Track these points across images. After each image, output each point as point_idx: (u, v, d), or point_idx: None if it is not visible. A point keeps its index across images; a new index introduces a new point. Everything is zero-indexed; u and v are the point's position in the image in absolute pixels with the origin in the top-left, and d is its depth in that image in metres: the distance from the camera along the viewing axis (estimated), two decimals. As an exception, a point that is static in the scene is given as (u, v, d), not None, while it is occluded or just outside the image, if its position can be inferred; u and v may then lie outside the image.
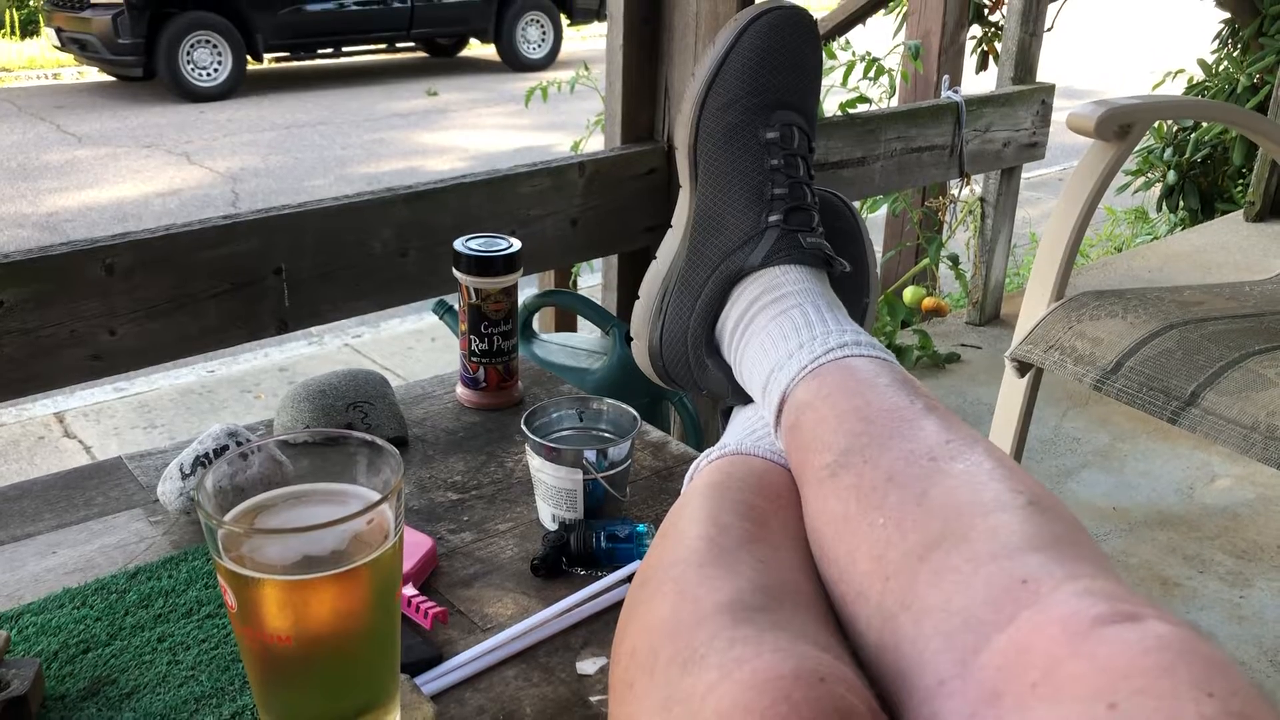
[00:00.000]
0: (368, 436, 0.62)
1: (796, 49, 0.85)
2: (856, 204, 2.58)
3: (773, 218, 0.81)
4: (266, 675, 0.58)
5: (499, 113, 7.54)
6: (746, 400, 0.81)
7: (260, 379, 3.33)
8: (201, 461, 0.86)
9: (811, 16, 0.87)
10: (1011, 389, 1.52)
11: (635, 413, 0.91)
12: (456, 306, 1.11)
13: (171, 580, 0.78)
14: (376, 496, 0.59)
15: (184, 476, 0.86)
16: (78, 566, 0.81)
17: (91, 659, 0.71)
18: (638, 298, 0.88)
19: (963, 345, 2.66)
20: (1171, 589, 1.77)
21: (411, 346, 3.51)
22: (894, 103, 2.34)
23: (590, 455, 0.85)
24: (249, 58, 7.96)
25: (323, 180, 5.63)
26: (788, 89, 0.85)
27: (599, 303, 1.81)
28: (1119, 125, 1.42)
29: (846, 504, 0.60)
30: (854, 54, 2.20)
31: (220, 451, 0.87)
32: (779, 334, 0.75)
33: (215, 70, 7.63)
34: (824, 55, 2.02)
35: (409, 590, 0.77)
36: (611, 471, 0.87)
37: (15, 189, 5.39)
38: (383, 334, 3.65)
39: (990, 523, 0.52)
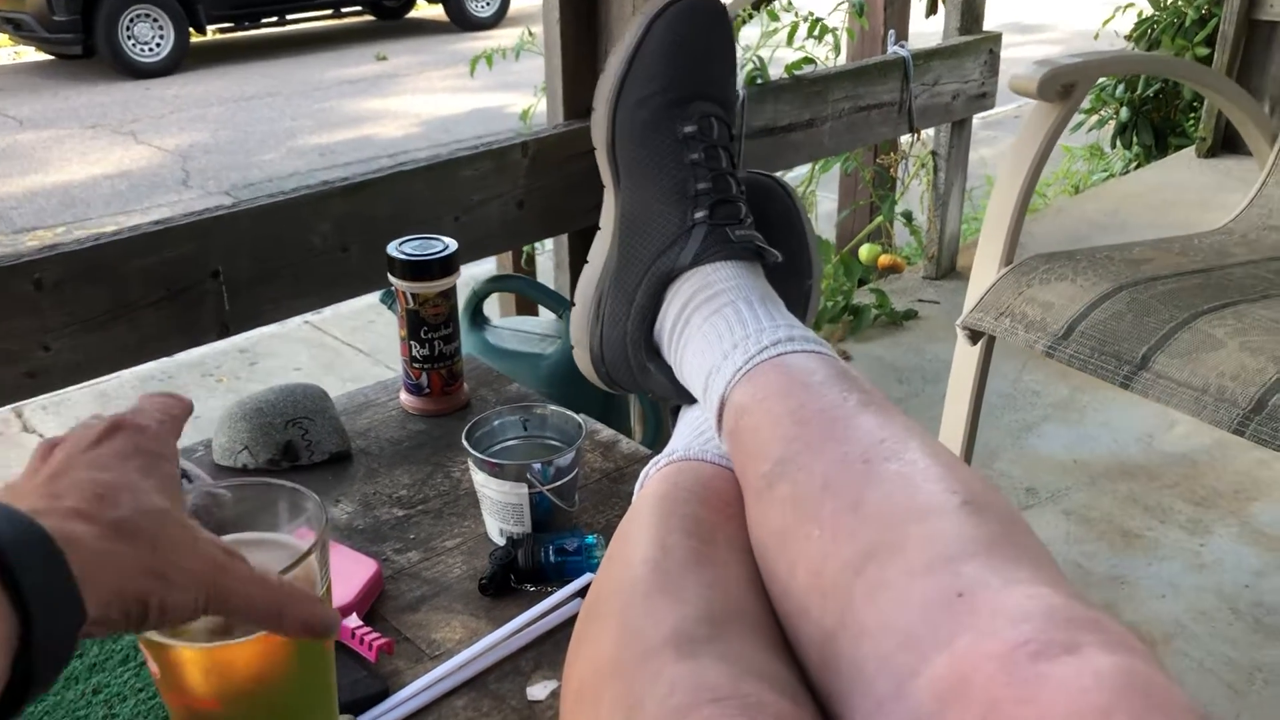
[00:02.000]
0: (286, 484, 0.59)
1: (706, 37, 0.83)
2: (807, 166, 2.57)
3: (699, 214, 0.79)
4: None
5: (449, 75, 7.43)
6: (692, 400, 0.80)
7: (221, 362, 3.28)
8: (135, 494, 0.84)
9: (719, 2, 0.85)
10: (965, 354, 1.52)
11: (581, 419, 0.90)
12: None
13: (108, 624, 0.76)
14: (301, 547, 0.57)
15: (118, 511, 0.83)
16: (11, 613, 0.79)
17: (22, 718, 0.69)
18: (573, 304, 0.86)
19: (920, 301, 2.66)
20: (1133, 540, 1.78)
21: (373, 320, 3.47)
22: (841, 61, 2.31)
23: (535, 468, 0.84)
24: (191, 30, 7.78)
25: (273, 154, 5.54)
26: (702, 79, 0.83)
27: (552, 282, 1.79)
28: (1061, 85, 1.40)
29: (784, 516, 0.59)
30: (797, 14, 2.16)
31: (154, 483, 0.85)
32: (714, 335, 0.74)
33: (157, 45, 7.46)
34: (740, 34, 1.99)
35: (352, 621, 0.76)
36: (558, 482, 0.85)
37: (-43, 177, 5.27)
38: (342, 309, 3.60)
39: (925, 529, 0.52)
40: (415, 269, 1.00)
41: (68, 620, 0.39)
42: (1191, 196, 3.19)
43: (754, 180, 0.88)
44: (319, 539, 0.56)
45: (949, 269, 2.78)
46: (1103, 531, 1.80)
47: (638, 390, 0.87)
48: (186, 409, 0.55)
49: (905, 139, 2.49)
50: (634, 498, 0.73)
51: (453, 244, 1.02)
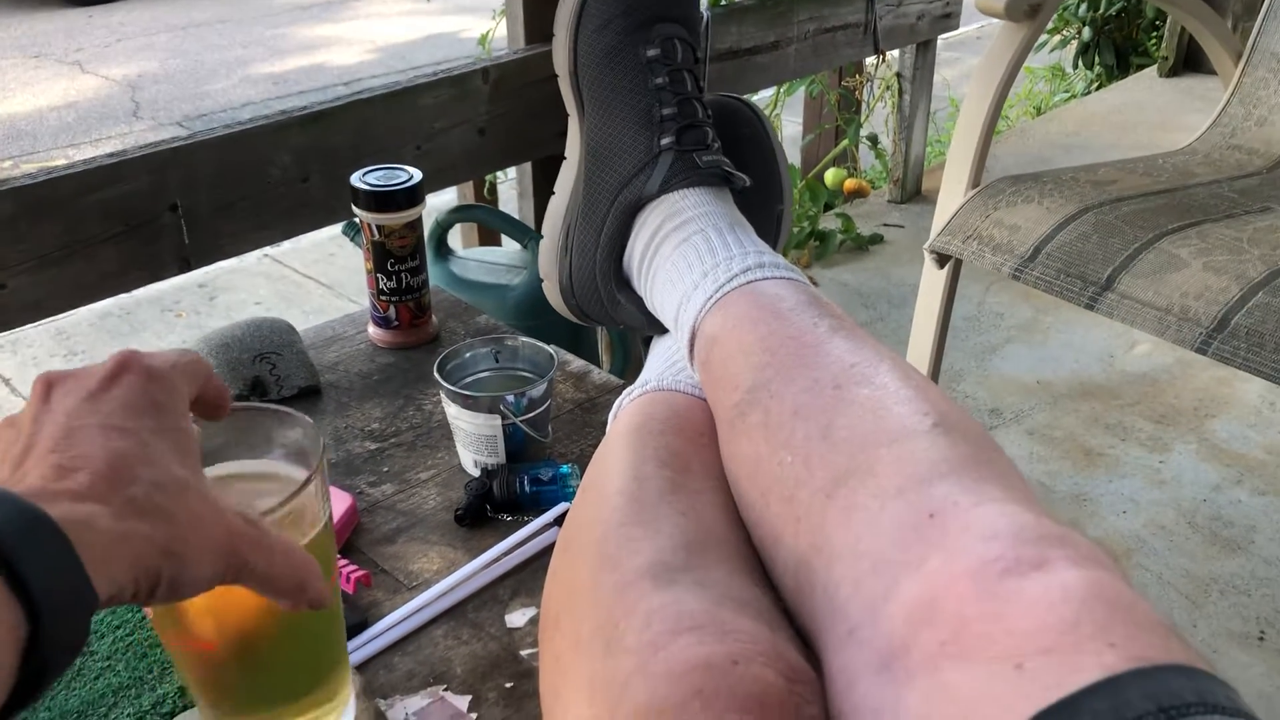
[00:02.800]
0: (276, 408, 0.58)
1: None
2: (771, 89, 2.54)
3: (665, 140, 0.78)
4: (197, 677, 0.57)
5: (404, -1, 7.25)
6: (664, 330, 0.80)
7: (180, 297, 3.24)
8: (103, 433, 0.83)
9: None
10: (932, 277, 1.52)
11: (552, 350, 0.89)
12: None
13: (81, 564, 0.76)
14: (299, 476, 0.55)
15: (86, 450, 0.82)
16: (-19, 555, 0.79)
17: None
18: (541, 236, 0.85)
19: (885, 225, 2.66)
20: (1095, 459, 1.81)
21: (333, 253, 3.42)
22: (805, -19, 2.27)
23: (508, 399, 0.84)
24: (135, -47, 7.53)
25: (225, 83, 5.41)
26: (664, 1, 0.81)
27: (516, 211, 1.77)
28: (1029, 5, 1.39)
29: (756, 444, 0.60)
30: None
31: (122, 421, 0.83)
32: (683, 264, 0.73)
33: (100, -31, 7.21)
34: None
35: (329, 554, 0.76)
36: (531, 414, 0.85)
37: (-104, 110, 5.11)
38: (303, 242, 3.55)
39: (896, 452, 0.52)
40: (380, 200, 0.98)
41: (79, 609, 0.37)
42: (1153, 117, 3.20)
43: (722, 103, 0.87)
44: (317, 466, 0.54)
45: (914, 192, 2.78)
46: (1065, 450, 1.83)
47: (609, 322, 0.86)
48: (205, 368, 0.51)
49: (870, 61, 2.47)
50: (607, 429, 0.73)
51: (417, 174, 1.01)
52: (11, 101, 5.20)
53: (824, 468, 0.54)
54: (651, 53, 0.79)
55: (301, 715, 0.58)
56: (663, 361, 0.77)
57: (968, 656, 0.41)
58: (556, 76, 0.85)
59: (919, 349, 1.59)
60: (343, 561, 0.75)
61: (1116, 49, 3.90)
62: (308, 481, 0.52)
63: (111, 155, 1.25)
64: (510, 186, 2.12)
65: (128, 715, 0.64)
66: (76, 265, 1.24)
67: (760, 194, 0.84)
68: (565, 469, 0.84)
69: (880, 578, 0.46)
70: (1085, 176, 1.45)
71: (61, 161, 1.21)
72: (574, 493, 0.78)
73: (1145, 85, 3.47)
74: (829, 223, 2.59)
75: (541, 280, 0.88)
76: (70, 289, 1.24)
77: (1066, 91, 4.23)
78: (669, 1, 0.81)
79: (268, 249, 3.48)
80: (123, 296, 3.19)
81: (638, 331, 0.86)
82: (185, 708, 0.64)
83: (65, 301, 1.24)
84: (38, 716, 0.64)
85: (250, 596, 0.48)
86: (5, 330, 1.24)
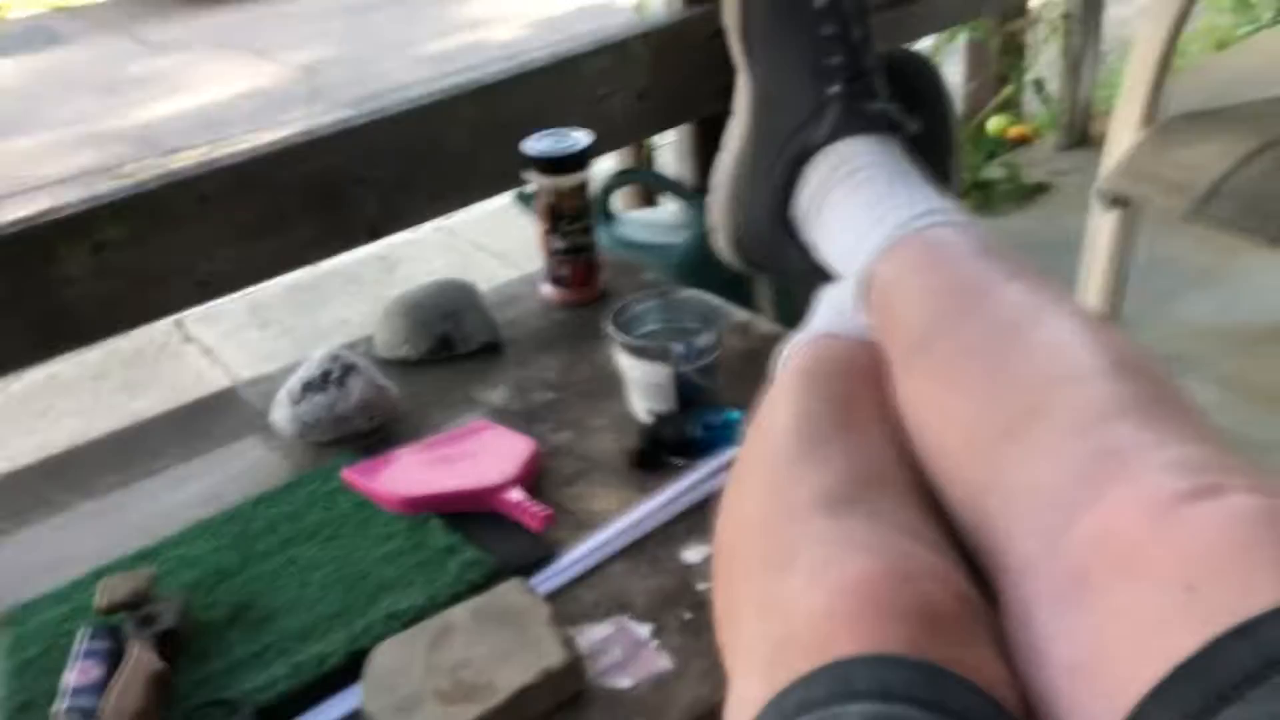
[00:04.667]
0: None
1: None
2: (933, 38, 2.49)
3: (833, 89, 0.79)
4: None
5: (558, -29, 7.34)
6: (829, 278, 0.81)
7: (361, 270, 3.39)
8: (309, 386, 0.90)
9: None
10: (1102, 221, 1.48)
11: (719, 302, 0.92)
12: (536, 199, 1.12)
13: (292, 505, 0.83)
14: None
15: (294, 402, 0.90)
16: (206, 498, 0.87)
17: (228, 587, 0.76)
18: (704, 195, 0.87)
19: (1053, 173, 2.58)
20: (1282, 406, 1.73)
21: (502, 224, 3.53)
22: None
23: (678, 349, 0.87)
24: (306, -57, 7.84)
25: (393, 63, 5.60)
26: None
27: (675, 173, 1.80)
28: (1205, -67, 1.34)
29: (932, 384, 0.61)
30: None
31: (326, 375, 0.91)
32: (854, 211, 0.74)
33: (275, -40, 7.54)
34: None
35: (516, 494, 0.81)
36: (699, 363, 0.89)
37: (105, 105, 5.48)
38: (473, 213, 3.65)
39: (1075, 392, 0.52)
40: (551, 164, 1.03)
41: None
42: (1350, 45, 2.99)
43: (892, 55, 0.87)
44: None
45: (1082, 138, 2.68)
46: (1255, 397, 1.76)
47: (776, 272, 0.88)
48: None
49: (1036, 1, 2.39)
50: (774, 375, 0.75)
51: (586, 137, 1.05)
52: (204, 92, 5.51)
53: (1002, 407, 0.55)
54: (819, 3, 0.80)
55: None
56: (830, 308, 0.79)
57: (1139, 578, 0.42)
58: (715, 37, 0.87)
59: (1090, 297, 1.56)
60: (528, 501, 0.80)
61: (1309, -26, 3.65)
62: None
63: (302, 133, 1.34)
64: (666, 151, 2.15)
65: (341, 638, 0.71)
66: (277, 236, 1.33)
67: (930, 145, 0.84)
68: (734, 415, 0.87)
69: (1059, 512, 0.47)
70: (1268, 110, 1.39)
71: (262, 139, 1.30)
72: (742, 437, 0.81)
73: (1342, 12, 3.24)
74: (993, 172, 2.53)
75: (710, 232, 0.91)
76: (268, 259, 1.34)
77: (1252, 23, 3.98)
78: None
79: (441, 222, 3.61)
80: (309, 271, 3.37)
81: (804, 281, 0.88)
82: (392, 632, 0.71)
83: (268, 270, 1.34)
84: (263, 638, 0.71)
85: None
86: (215, 298, 1.34)
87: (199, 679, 0.69)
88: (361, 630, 0.71)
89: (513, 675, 0.64)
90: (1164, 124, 1.37)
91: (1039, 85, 2.62)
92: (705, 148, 1.76)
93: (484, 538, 0.79)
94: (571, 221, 1.05)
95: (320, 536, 0.80)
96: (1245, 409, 1.73)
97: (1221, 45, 3.78)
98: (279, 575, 0.77)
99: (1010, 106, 2.74)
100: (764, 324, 1.04)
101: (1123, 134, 1.43)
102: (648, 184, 1.77)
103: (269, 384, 1.02)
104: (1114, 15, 2.74)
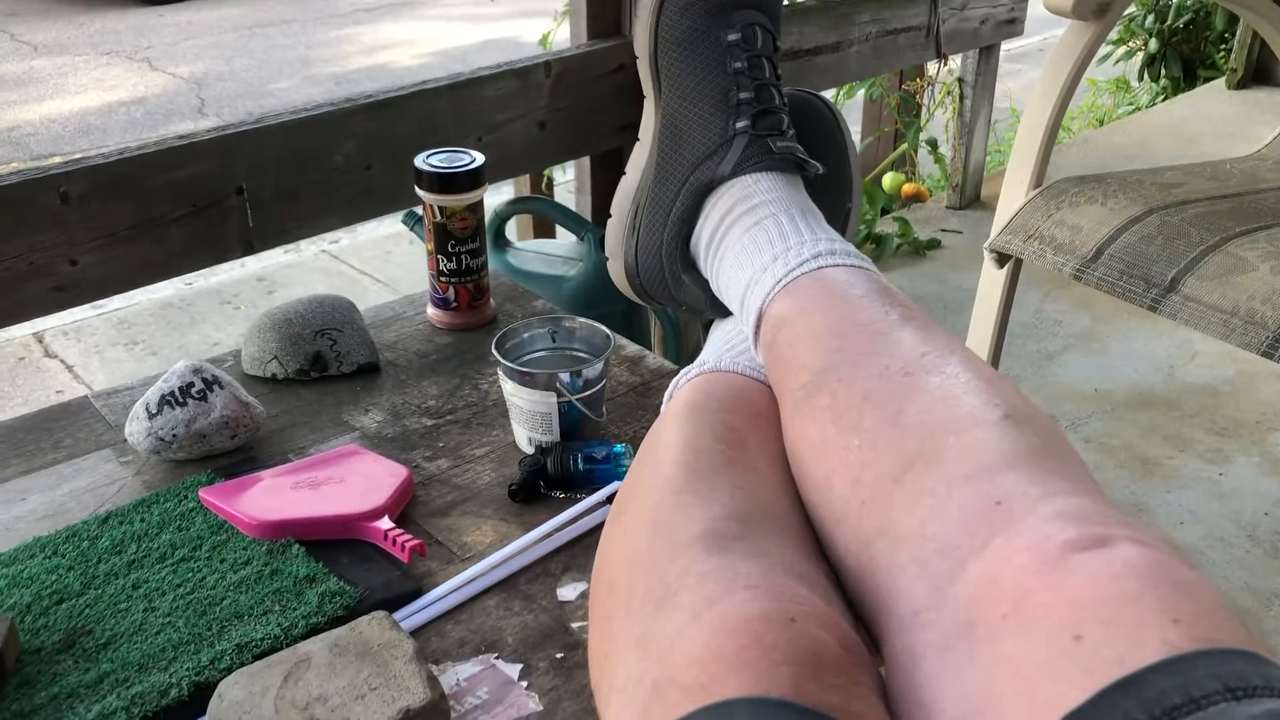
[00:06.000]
0: None
1: None
2: (831, 91, 2.53)
3: (740, 124, 0.78)
4: None
5: (466, 2, 7.32)
6: (726, 313, 0.80)
7: (239, 290, 3.29)
8: (168, 400, 0.85)
9: None
10: (991, 278, 1.51)
11: (609, 331, 0.90)
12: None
13: (144, 524, 0.77)
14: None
15: (150, 416, 0.84)
16: (48, 513, 0.81)
17: (66, 610, 0.70)
18: (610, 215, 0.85)
19: (943, 230, 2.64)
20: (1153, 469, 1.78)
21: (389, 250, 3.46)
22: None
23: (564, 377, 0.84)
24: (205, -45, 7.67)
25: (288, 82, 5.49)
26: None
27: (573, 206, 1.78)
28: (1097, 4, 1.37)
29: (823, 426, 0.59)
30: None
31: (186, 389, 0.85)
32: (753, 246, 0.73)
33: (171, -30, 7.36)
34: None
35: (385, 523, 0.77)
36: (586, 392, 0.86)
37: (-27, 103, 5.25)
38: (360, 239, 3.60)
39: (965, 440, 0.52)
40: (443, 181, 0.99)
41: None
42: (1220, 128, 3.14)
43: (797, 97, 0.87)
44: None
45: (973, 198, 2.75)
46: (1122, 460, 1.81)
47: (671, 303, 0.87)
48: None
49: (932, 65, 2.45)
50: (663, 407, 0.73)
51: (480, 157, 1.02)
52: (83, 97, 5.32)
53: (892, 452, 0.54)
54: (732, 37, 0.79)
55: None
56: (722, 344, 0.77)
57: (1028, 628, 0.41)
58: (618, 72, 0.85)
59: (977, 350, 1.57)
60: (398, 530, 0.76)
61: (1184, 61, 3.84)
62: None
63: (182, 137, 1.28)
64: (566, 189, 2.13)
65: (186, 669, 0.65)
66: (145, 244, 1.26)
67: (830, 190, 0.84)
68: (619, 448, 0.84)
69: (946, 560, 0.46)
70: (1150, 179, 1.43)
71: (135, 143, 1.23)
72: (626, 472, 0.78)
73: (1212, 97, 3.41)
74: (886, 226, 2.57)
75: (605, 259, 0.88)
76: (138, 267, 1.27)
77: (1130, 104, 4.17)
78: None
79: (326, 245, 3.53)
80: (183, 288, 3.26)
81: (699, 314, 0.86)
82: (242, 664, 0.65)
83: (132, 280, 1.27)
84: (100, 667, 0.65)
85: None
86: (74, 306, 1.26)
87: (23, 710, 0.63)
88: (209, 661, 0.66)
89: (370, 714, 0.60)
90: (1052, 186, 1.40)
91: (933, 145, 2.69)
92: (601, 182, 1.75)
93: (348, 568, 0.74)
94: (461, 243, 1.01)
95: (171, 559, 0.74)
96: (1112, 471, 1.78)
97: (1103, 123, 3.95)
98: (122, 599, 0.71)
99: (904, 164, 2.81)
100: (654, 358, 1.01)
101: (1012, 195, 1.45)
102: (543, 214, 1.74)
103: (125, 396, 0.95)
104: (1002, 89, 2.83)
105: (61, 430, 0.91)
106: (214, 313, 3.13)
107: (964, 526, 0.47)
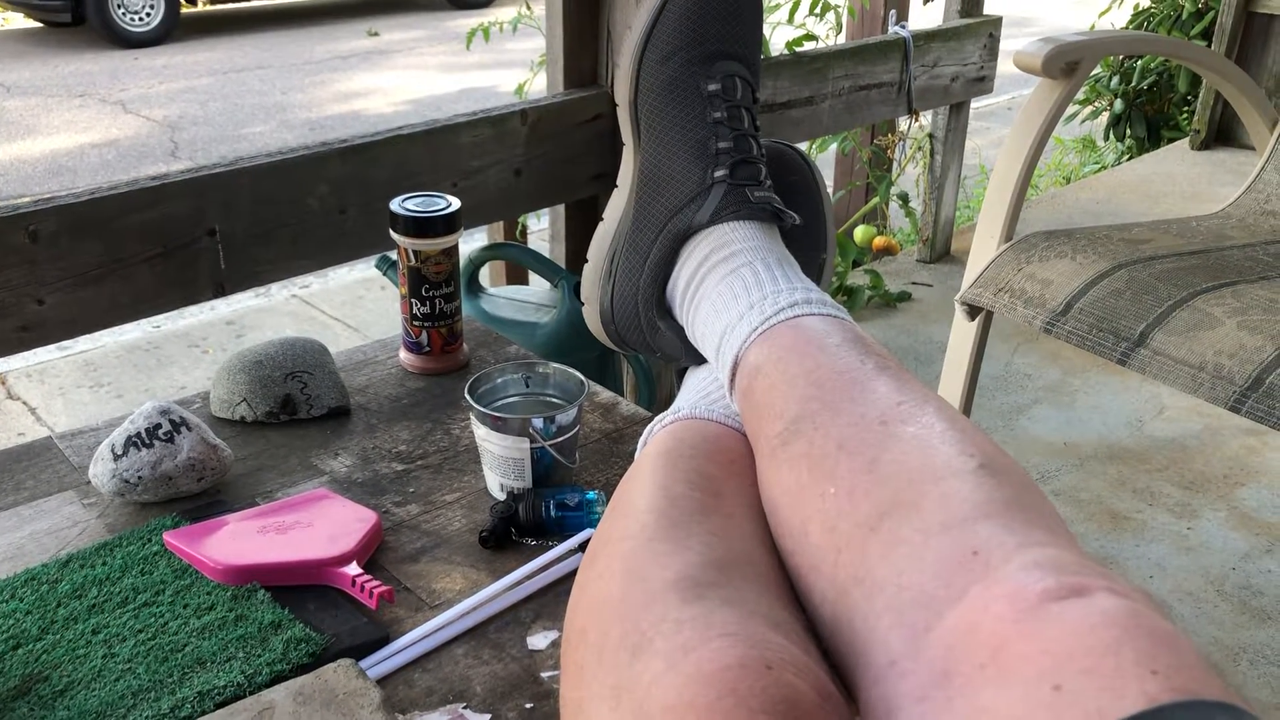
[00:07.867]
0: None
1: None
2: (805, 144, 2.56)
3: (718, 173, 0.79)
4: None
5: (442, 52, 7.38)
6: (701, 361, 0.80)
7: (207, 333, 3.26)
8: (134, 442, 0.83)
9: None
10: (962, 330, 1.52)
11: (582, 377, 0.89)
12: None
13: (106, 568, 0.76)
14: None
15: (115, 458, 0.83)
16: (6, 555, 0.79)
17: (22, 655, 0.68)
18: (586, 260, 0.85)
19: (914, 284, 2.66)
20: (1121, 522, 1.79)
21: (361, 295, 3.45)
22: (841, 39, 2.30)
23: (537, 423, 0.84)
24: (182, 1, 7.71)
25: (263, 127, 5.50)
26: (728, 38, 0.82)
27: (547, 254, 1.78)
28: (1066, 62, 1.40)
29: (798, 473, 0.59)
30: (799, -9, 2.16)
31: (153, 431, 0.84)
32: (730, 294, 0.73)
33: (148, 14, 7.38)
34: (769, -6, 1.98)
35: (353, 569, 0.75)
36: (559, 439, 0.85)
37: (-57, 143, 5.21)
38: (331, 284, 3.59)
39: (941, 490, 0.52)
40: (418, 226, 0.99)
41: None
42: (1184, 187, 3.20)
43: (773, 148, 0.88)
44: None
45: (943, 252, 2.78)
46: (1091, 513, 1.81)
47: (646, 350, 0.87)
48: None
49: (903, 121, 2.49)
50: (637, 454, 0.73)
51: (456, 202, 1.02)
52: (55, 138, 5.30)
53: (868, 501, 0.54)
54: (712, 87, 0.80)
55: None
56: (696, 392, 0.77)
57: (1006, 678, 0.41)
58: (594, 120, 0.86)
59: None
60: (365, 576, 0.75)
61: (1148, 122, 3.92)
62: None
63: (154, 178, 1.27)
64: (540, 236, 2.13)
65: (145, 717, 0.63)
66: (114, 284, 1.25)
67: (804, 240, 0.85)
68: (591, 495, 0.84)
69: (923, 610, 0.46)
70: (1119, 235, 1.45)
71: (107, 183, 1.23)
72: (599, 519, 0.78)
73: (1177, 157, 3.48)
74: (857, 279, 2.59)
75: (581, 305, 0.88)
76: (106, 308, 1.26)
77: (1096, 163, 4.24)
78: (732, 39, 0.82)
79: (296, 290, 3.52)
80: (151, 330, 3.23)
81: (674, 361, 0.86)
82: (203, 712, 0.64)
83: (100, 320, 1.26)
84: (57, 714, 0.64)
85: None
86: (40, 346, 1.25)
87: (-30, 761, 0.61)
88: (169, 709, 0.64)
89: (333, 766, 0.58)
90: (1022, 240, 1.41)
91: (904, 199, 2.72)
92: (576, 230, 1.75)
93: (314, 614, 0.73)
94: (435, 287, 1.01)
95: (133, 604, 0.73)
96: (1081, 525, 1.78)
97: (1069, 181, 4.01)
98: (81, 645, 0.69)
99: (876, 217, 2.84)
100: (628, 405, 1.01)
101: (983, 248, 1.47)
102: (518, 260, 1.74)
103: (90, 437, 0.94)
104: (971, 145, 2.87)
105: (24, 471, 0.89)
106: (181, 356, 3.10)
107: (941, 576, 0.47)
